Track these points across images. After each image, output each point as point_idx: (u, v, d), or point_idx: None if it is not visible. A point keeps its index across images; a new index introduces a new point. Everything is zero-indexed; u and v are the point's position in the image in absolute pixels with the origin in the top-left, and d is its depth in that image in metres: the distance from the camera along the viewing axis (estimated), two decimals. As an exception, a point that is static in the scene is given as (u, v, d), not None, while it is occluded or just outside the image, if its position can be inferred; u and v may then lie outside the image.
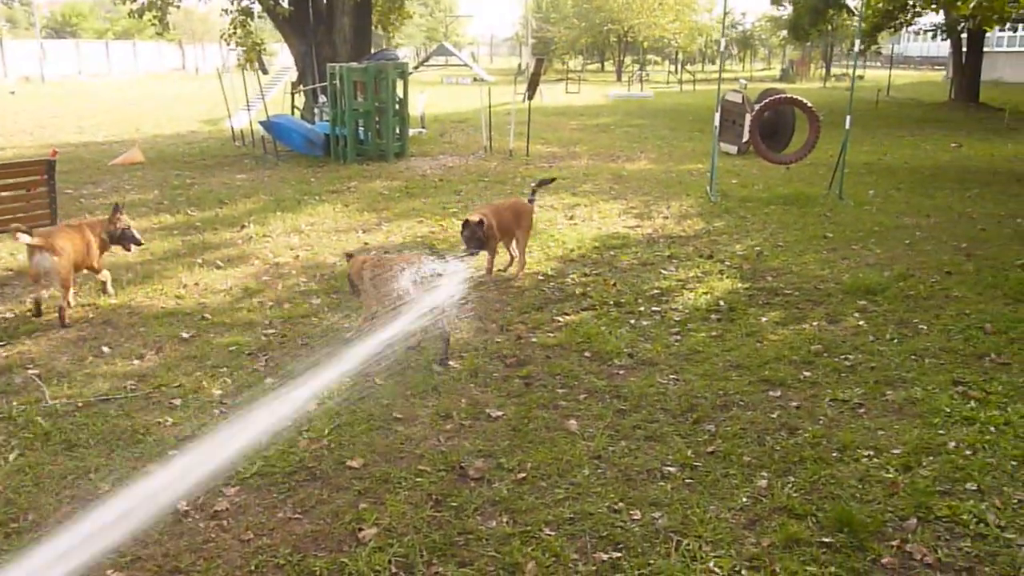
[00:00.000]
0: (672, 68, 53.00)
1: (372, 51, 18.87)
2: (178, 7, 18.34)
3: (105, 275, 6.93)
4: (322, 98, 16.51)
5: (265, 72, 26.79)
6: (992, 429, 4.52)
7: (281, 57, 33.22)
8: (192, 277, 7.53)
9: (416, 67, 44.80)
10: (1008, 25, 29.81)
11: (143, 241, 7.29)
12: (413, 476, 4.10)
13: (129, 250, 7.07)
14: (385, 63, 15.35)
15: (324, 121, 15.70)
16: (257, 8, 18.40)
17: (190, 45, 60.41)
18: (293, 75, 19.74)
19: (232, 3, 18.11)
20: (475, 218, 6.98)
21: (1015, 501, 3.83)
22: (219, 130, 19.09)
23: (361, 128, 14.95)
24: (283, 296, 7.00)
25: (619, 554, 3.48)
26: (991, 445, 4.35)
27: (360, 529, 3.66)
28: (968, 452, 4.29)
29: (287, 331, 6.16)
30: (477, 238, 6.93)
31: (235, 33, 18.31)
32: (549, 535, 3.61)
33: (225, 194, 11.44)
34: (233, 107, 17.63)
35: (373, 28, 20.29)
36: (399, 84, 15.14)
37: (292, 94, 18.24)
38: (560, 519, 3.72)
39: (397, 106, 15.06)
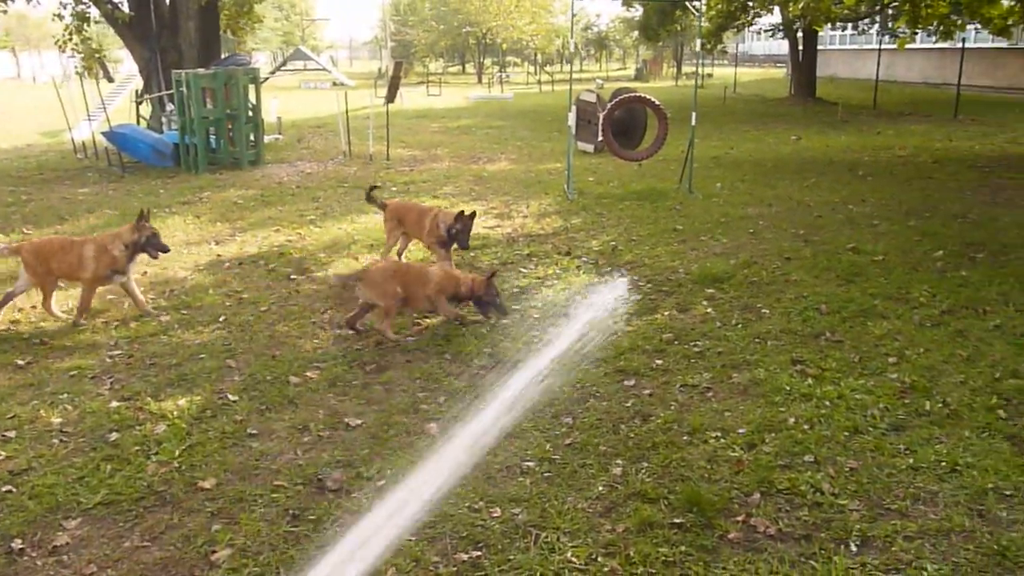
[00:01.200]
0: (531, 69, 53.76)
1: (222, 56, 18.24)
2: (5, 12, 17.13)
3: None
4: (170, 106, 15.85)
5: (110, 80, 25.49)
6: (827, 403, 4.82)
7: (127, 64, 31.68)
8: (29, 300, 7.04)
9: (273, 72, 43.75)
10: (838, 24, 31.82)
11: (170, 248, 6.90)
12: (269, 492, 3.99)
13: (155, 257, 6.72)
14: (235, 68, 14.89)
15: (173, 130, 15.08)
16: (95, 13, 17.42)
17: (25, 52, 56.69)
18: (139, 83, 18.84)
19: (65, 8, 17.06)
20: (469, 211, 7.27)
21: (847, 469, 4.10)
22: (59, 142, 17.98)
23: (213, 136, 14.44)
24: (129, 315, 6.67)
25: (479, 553, 3.50)
26: (826, 418, 4.64)
27: (213, 552, 3.54)
28: (806, 427, 4.56)
29: (134, 351, 5.89)
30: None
31: (70, 39, 17.28)
32: (410, 540, 3.59)
33: (66, 210, 10.80)
34: (74, 118, 16.68)
35: (222, 32, 19.62)
36: (251, 89, 14.71)
37: (137, 103, 17.41)
38: (421, 523, 3.71)
39: (250, 112, 14.64)
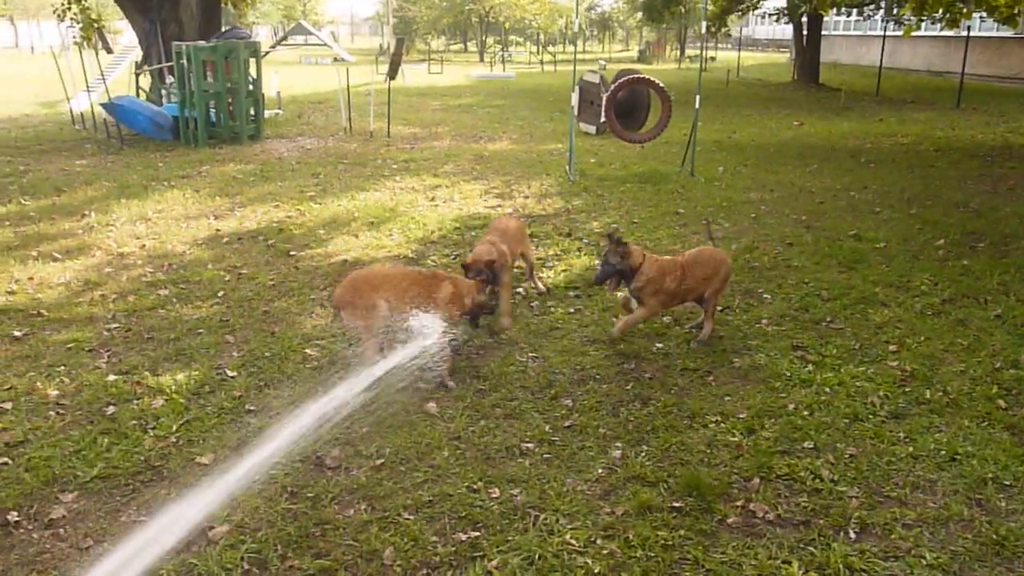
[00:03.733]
0: (534, 49, 53.41)
1: (222, 29, 18.08)
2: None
3: None
4: (169, 79, 15.71)
5: (109, 51, 25.27)
6: (827, 390, 4.81)
7: (126, 35, 31.38)
8: (26, 271, 7.03)
9: (273, 46, 43.42)
10: (843, 10, 31.60)
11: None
12: (267, 469, 3.98)
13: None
14: (236, 42, 14.75)
15: (172, 103, 14.96)
16: (94, -18, 17.26)
17: (23, 21, 56.18)
18: (138, 54, 18.66)
19: (64, -23, 16.88)
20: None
21: (847, 456, 4.10)
22: (57, 113, 17.87)
23: (212, 110, 14.34)
24: (127, 288, 6.63)
25: (477, 533, 3.49)
26: (826, 405, 4.63)
27: (211, 528, 3.53)
28: (806, 412, 4.55)
29: (132, 325, 5.86)
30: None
31: (69, 9, 17.11)
32: (408, 519, 3.58)
33: (63, 181, 10.73)
34: (72, 88, 16.56)
35: (223, 5, 19.44)
36: (252, 63, 14.59)
37: (137, 74, 17.25)
38: (419, 502, 3.70)
39: (250, 86, 14.53)
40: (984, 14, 17.77)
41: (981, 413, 4.53)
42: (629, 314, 5.49)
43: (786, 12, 30.58)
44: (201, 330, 5.75)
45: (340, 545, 3.42)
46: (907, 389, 4.82)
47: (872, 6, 29.01)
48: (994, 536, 3.46)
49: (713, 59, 41.52)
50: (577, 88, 12.00)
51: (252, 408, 4.61)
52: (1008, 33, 25.72)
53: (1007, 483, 3.85)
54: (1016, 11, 15.99)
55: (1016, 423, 4.42)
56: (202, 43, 14.36)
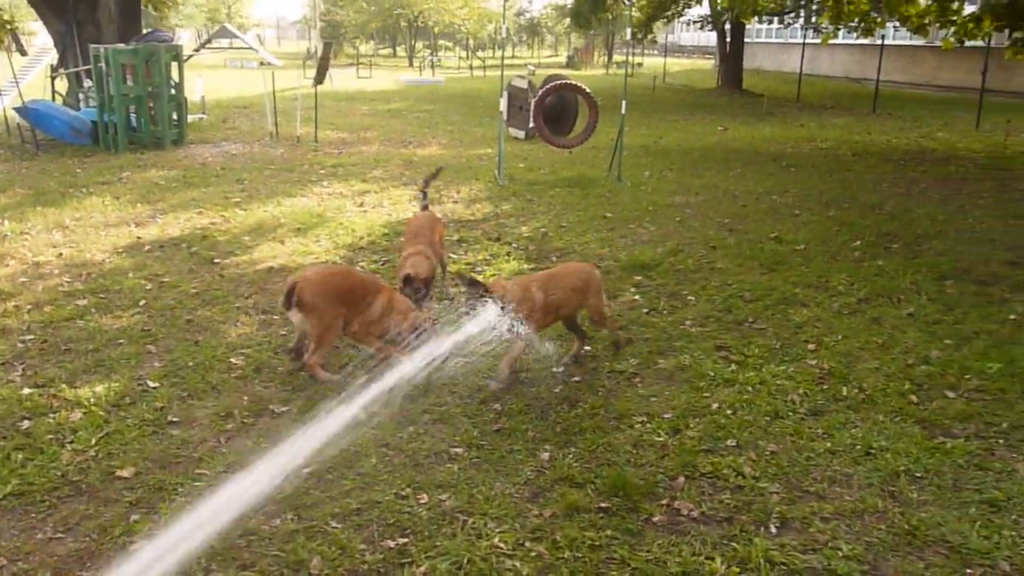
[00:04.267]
0: (463, 54, 53.48)
1: (143, 32, 17.62)
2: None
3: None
4: (87, 82, 15.24)
5: (23, 53, 24.37)
6: (749, 389, 4.94)
7: (41, 37, 30.33)
8: (-67, 282, 6.74)
9: (197, 49, 42.51)
10: (764, 18, 32.44)
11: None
12: (191, 481, 3.90)
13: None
14: (157, 45, 14.39)
15: (90, 107, 14.52)
16: (6, -18, 16.66)
17: (-71, 22, 53.79)
18: (54, 57, 18.06)
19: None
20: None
21: (768, 453, 4.21)
22: (-34, 117, 17.16)
23: (133, 114, 13.96)
24: (43, 298, 6.41)
25: (406, 539, 3.48)
26: (748, 403, 4.75)
27: (131, 543, 3.44)
28: (729, 411, 4.66)
29: (48, 336, 5.66)
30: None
31: (-21, 10, 16.50)
32: (335, 528, 3.55)
33: (-26, 188, 10.32)
34: (-18, 92, 15.93)
35: (143, 7, 18.96)
36: (174, 67, 14.26)
37: (52, 78, 16.69)
38: (347, 510, 3.67)
39: (172, 90, 14.20)
40: (897, 23, 18.52)
41: (894, 408, 4.71)
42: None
43: (710, 19, 31.29)
44: (121, 340, 5.60)
45: (266, 556, 3.37)
46: (825, 386, 4.98)
47: (792, 15, 29.88)
48: (906, 526, 3.60)
49: (640, 65, 42.16)
50: (506, 93, 12.07)
51: (175, 419, 4.50)
52: (920, 42, 26.74)
53: (918, 475, 4.01)
54: (927, 21, 16.70)
55: (927, 417, 4.60)
56: (121, 46, 13.97)
